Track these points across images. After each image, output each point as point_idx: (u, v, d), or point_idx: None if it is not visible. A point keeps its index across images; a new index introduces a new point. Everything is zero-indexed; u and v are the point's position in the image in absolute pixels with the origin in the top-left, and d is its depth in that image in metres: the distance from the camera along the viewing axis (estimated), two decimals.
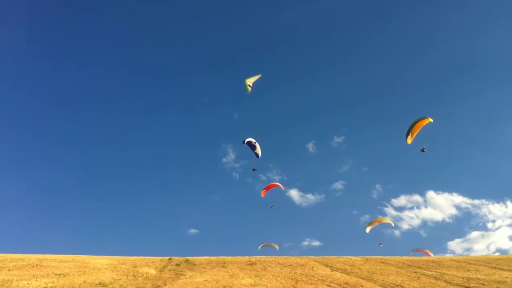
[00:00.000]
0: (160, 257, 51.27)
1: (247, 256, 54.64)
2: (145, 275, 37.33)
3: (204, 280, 34.55)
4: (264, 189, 51.68)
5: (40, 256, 48.34)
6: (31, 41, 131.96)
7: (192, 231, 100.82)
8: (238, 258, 52.40)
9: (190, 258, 50.89)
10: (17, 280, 31.40)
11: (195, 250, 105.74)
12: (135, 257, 51.67)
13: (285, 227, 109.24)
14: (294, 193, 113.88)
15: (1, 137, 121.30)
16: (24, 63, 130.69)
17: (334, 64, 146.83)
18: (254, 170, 46.61)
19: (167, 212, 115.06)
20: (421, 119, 38.62)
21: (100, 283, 31.79)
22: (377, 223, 49.63)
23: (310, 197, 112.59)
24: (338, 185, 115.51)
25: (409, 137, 39.22)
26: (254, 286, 32.31)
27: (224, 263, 46.79)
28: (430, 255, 53.78)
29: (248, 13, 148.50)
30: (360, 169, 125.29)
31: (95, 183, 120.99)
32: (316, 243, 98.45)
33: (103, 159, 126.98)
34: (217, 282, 33.55)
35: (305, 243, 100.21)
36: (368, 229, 49.68)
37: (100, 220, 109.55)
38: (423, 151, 40.83)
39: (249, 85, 38.62)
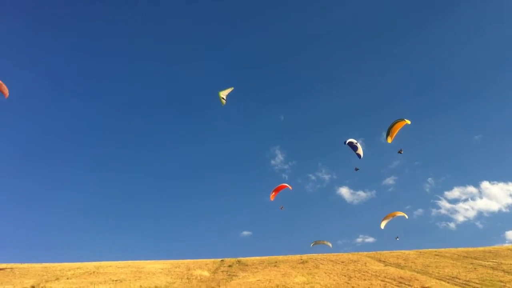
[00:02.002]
0: (212, 259, 51.96)
1: (299, 255, 54.63)
2: (199, 278, 37.93)
3: (257, 280, 34.81)
4: (273, 192, 51.27)
5: (97, 263, 49.91)
6: (107, 46, 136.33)
7: (245, 233, 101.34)
8: (290, 257, 52.46)
9: (242, 258, 51.32)
10: None
11: (247, 251, 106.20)
12: (188, 260, 52.54)
13: (337, 225, 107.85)
14: (344, 191, 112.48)
15: (59, 142, 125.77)
16: (97, 68, 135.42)
17: (379, 59, 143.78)
18: (356, 169, 46.77)
19: (220, 215, 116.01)
20: (399, 121, 40.01)
21: (155, 287, 32.56)
22: (391, 217, 48.81)
23: (361, 194, 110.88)
24: (390, 180, 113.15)
25: (389, 137, 41.06)
26: (307, 284, 32.31)
27: (276, 262, 46.95)
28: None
29: (289, 15, 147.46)
30: (411, 163, 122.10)
31: (146, 188, 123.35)
32: (370, 239, 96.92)
33: (157, 164, 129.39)
34: (270, 282, 33.75)
35: (359, 239, 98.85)
36: (383, 225, 48.92)
37: (153, 224, 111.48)
38: (400, 153, 42.52)
39: (223, 98, 39.77)
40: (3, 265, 48.13)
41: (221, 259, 51.38)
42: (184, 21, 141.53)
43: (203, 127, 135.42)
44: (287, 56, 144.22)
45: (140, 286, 33.11)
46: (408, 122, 39.57)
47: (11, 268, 44.62)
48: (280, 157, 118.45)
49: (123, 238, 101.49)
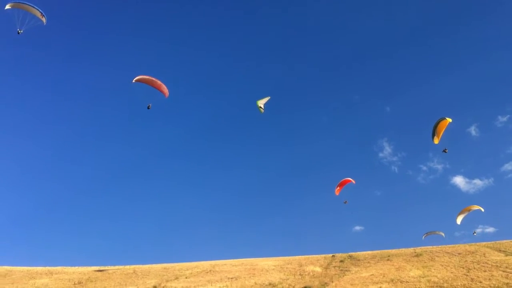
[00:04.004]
0: (323, 255, 52.08)
1: (412, 248, 53.17)
2: (311, 273, 38.31)
3: (371, 275, 34.49)
4: (337, 187, 50.37)
5: (212, 262, 52.01)
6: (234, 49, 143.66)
7: (357, 228, 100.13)
8: (403, 250, 51.23)
9: (353, 253, 50.95)
10: (194, 287, 34.31)
11: (358, 245, 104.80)
12: (300, 256, 53.12)
13: (453, 216, 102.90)
14: (459, 180, 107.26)
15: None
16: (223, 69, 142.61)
17: (492, 40, 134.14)
18: None
19: (331, 211, 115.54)
20: (442, 120, 38.18)
21: (270, 284, 33.39)
22: (466, 212, 46.15)
23: (478, 182, 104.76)
24: (508, 166, 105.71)
25: (435, 137, 39.63)
26: (423, 277, 31.50)
27: (389, 256, 46.07)
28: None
29: (393, 5, 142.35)
30: None
31: (256, 187, 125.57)
32: (490, 229, 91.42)
33: (266, 162, 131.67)
34: (383, 276, 33.31)
35: (478, 230, 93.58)
36: (459, 220, 46.32)
37: (264, 221, 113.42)
38: (445, 152, 40.69)
39: (261, 107, 40.11)
40: (127, 267, 51.68)
41: (332, 255, 51.37)
42: (291, 19, 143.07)
43: (306, 124, 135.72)
44: (388, 47, 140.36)
45: (255, 283, 34.13)
46: (450, 120, 38.17)
47: (134, 270, 47.79)
48: (388, 149, 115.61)
49: (236, 236, 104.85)
